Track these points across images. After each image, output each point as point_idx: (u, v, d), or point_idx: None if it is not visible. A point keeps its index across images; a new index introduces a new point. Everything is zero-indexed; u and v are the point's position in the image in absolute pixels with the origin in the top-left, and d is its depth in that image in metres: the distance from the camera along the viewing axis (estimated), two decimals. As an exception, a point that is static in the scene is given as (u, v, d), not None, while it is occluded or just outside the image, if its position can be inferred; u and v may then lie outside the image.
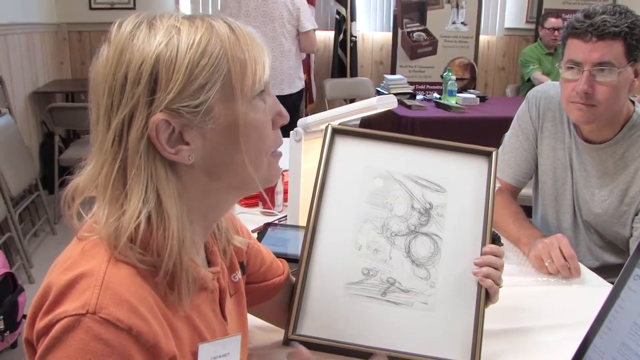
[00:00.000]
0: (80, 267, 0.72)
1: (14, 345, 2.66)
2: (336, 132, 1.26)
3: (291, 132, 1.66)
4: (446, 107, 4.33)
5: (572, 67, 1.62)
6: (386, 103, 1.52)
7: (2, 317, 2.53)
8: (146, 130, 0.75)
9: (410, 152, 1.24)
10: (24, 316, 2.67)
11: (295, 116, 0.94)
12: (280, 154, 0.89)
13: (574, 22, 1.60)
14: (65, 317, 0.68)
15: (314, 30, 4.31)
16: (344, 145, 1.25)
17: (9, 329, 2.57)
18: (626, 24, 1.53)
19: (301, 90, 4.40)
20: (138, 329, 0.69)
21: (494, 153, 1.24)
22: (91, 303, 0.68)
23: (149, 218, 0.75)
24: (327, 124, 1.26)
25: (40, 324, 0.70)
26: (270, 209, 1.94)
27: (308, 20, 4.24)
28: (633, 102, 1.73)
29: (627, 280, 1.00)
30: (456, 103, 4.44)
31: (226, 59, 0.77)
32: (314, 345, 1.10)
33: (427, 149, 1.25)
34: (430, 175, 1.22)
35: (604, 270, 1.72)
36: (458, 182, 1.22)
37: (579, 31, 1.58)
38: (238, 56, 0.78)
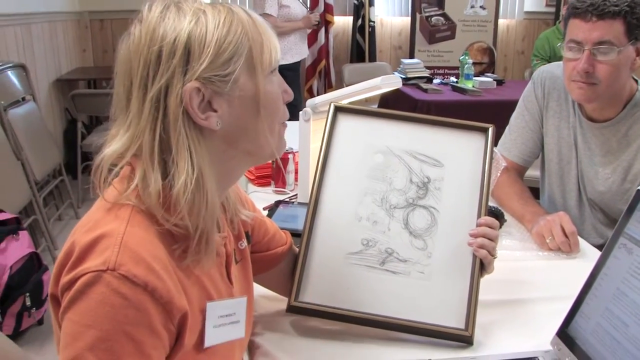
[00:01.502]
0: (102, 227, 0.80)
1: (40, 322, 2.76)
2: (338, 110, 1.31)
3: (300, 113, 1.72)
4: (462, 91, 4.34)
5: (573, 47, 1.64)
6: (390, 83, 1.56)
7: (28, 294, 2.63)
8: (181, 97, 0.83)
9: (409, 129, 1.29)
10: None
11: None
12: (285, 125, 0.99)
13: (575, 2, 1.62)
14: (87, 272, 0.75)
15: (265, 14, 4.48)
16: (346, 123, 1.30)
17: (35, 305, 2.67)
18: (626, 3, 1.55)
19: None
20: (153, 285, 0.76)
21: (490, 129, 1.28)
22: (111, 260, 0.75)
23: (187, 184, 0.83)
24: (330, 102, 1.31)
25: (64, 279, 0.78)
26: (282, 187, 1.99)
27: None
28: (636, 81, 1.75)
29: (612, 249, 1.04)
30: (473, 86, 4.45)
31: (247, 37, 0.87)
32: (315, 312, 1.16)
33: (426, 125, 1.29)
34: (428, 151, 1.27)
35: (608, 247, 1.74)
36: (455, 157, 1.27)
37: (580, 11, 1.60)
38: (256, 37, 0.89)
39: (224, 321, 0.92)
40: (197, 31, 0.84)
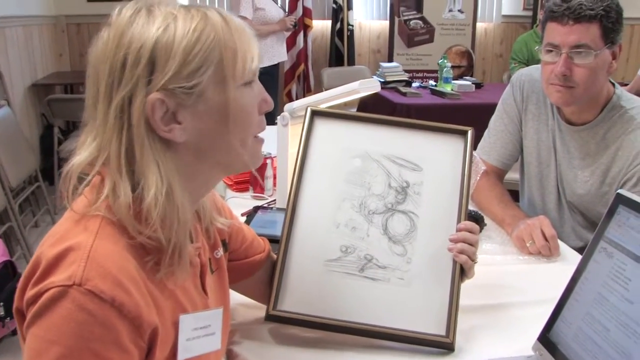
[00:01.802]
0: (69, 240, 0.77)
1: (14, 332, 2.70)
2: (315, 114, 1.29)
3: (278, 117, 1.70)
4: (441, 94, 4.35)
5: (550, 50, 1.65)
6: (368, 87, 1.55)
7: (2, 303, 2.57)
8: (144, 108, 0.80)
9: (387, 132, 1.27)
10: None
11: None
12: (262, 140, 0.95)
13: (552, 6, 1.62)
14: (53, 287, 0.72)
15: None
16: (323, 127, 1.28)
17: (9, 315, 2.61)
18: (602, 7, 1.56)
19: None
20: (121, 301, 0.74)
21: (469, 132, 1.27)
22: (77, 275, 0.72)
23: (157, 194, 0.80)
24: (307, 107, 1.29)
25: (29, 293, 0.75)
26: (261, 193, 1.97)
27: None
28: (614, 84, 1.75)
29: (593, 253, 1.04)
30: (451, 90, 4.46)
31: (219, 46, 0.83)
32: (294, 321, 1.14)
33: (404, 129, 1.28)
34: (407, 155, 1.25)
35: (588, 250, 1.75)
36: (434, 160, 1.26)
37: (557, 14, 1.61)
38: (230, 45, 0.84)
39: (198, 334, 0.90)
40: (164, 39, 0.80)
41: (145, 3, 0.84)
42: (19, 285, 0.78)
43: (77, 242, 0.76)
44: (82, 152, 0.83)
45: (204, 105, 0.83)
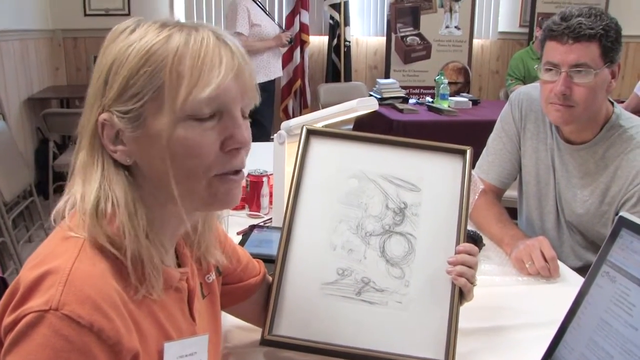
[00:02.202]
0: (48, 263, 0.74)
1: (5, 350, 2.66)
2: (311, 133, 1.27)
3: (274, 135, 1.68)
4: (438, 111, 4.34)
5: (550, 69, 1.64)
6: (366, 105, 1.54)
7: (-7, 321, 2.54)
8: (95, 125, 0.81)
9: (384, 152, 1.25)
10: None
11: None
12: (232, 180, 0.84)
13: (551, 25, 1.62)
14: (30, 312, 0.69)
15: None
16: (318, 146, 1.26)
17: None
18: (601, 26, 1.55)
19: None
20: (100, 326, 0.71)
21: (468, 151, 1.25)
22: (54, 300, 0.69)
23: (106, 203, 0.80)
24: (302, 126, 1.27)
25: (7, 319, 0.72)
26: (257, 211, 1.95)
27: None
28: (612, 103, 1.74)
29: (595, 277, 1.02)
30: (448, 106, 4.46)
31: (164, 72, 0.77)
32: (290, 345, 1.12)
33: (401, 148, 1.26)
34: (404, 175, 1.23)
35: (587, 270, 1.70)
36: (433, 181, 1.24)
37: (556, 33, 1.60)
38: (178, 70, 0.78)
39: None
40: (120, 58, 0.78)
41: (140, 20, 0.82)
42: None
43: (55, 265, 0.73)
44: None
45: (143, 133, 0.79)
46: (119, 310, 0.74)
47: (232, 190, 0.85)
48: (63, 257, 0.75)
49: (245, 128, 0.84)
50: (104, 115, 0.80)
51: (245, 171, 0.95)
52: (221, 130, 0.82)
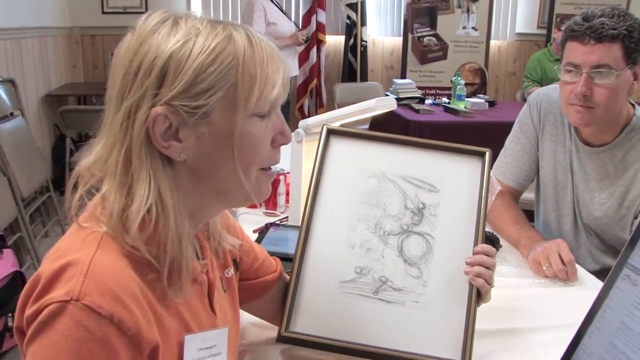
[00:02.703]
0: (70, 255, 0.75)
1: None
2: (331, 132, 1.27)
3: (292, 134, 1.68)
4: (454, 112, 4.33)
5: (570, 70, 1.63)
6: (385, 105, 1.53)
7: (10, 314, 2.56)
8: (146, 120, 0.79)
9: (404, 152, 1.25)
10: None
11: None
12: (272, 174, 0.90)
13: (573, 25, 1.60)
14: (51, 303, 0.70)
15: None
16: (338, 146, 1.26)
17: (17, 327, 2.60)
18: (624, 27, 1.54)
19: None
20: (120, 317, 0.71)
21: (487, 153, 1.25)
22: (75, 290, 0.70)
23: (150, 209, 0.79)
24: (323, 125, 1.28)
25: (29, 310, 0.73)
26: (273, 209, 1.95)
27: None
28: (633, 105, 1.73)
29: (615, 280, 1.01)
30: (465, 108, 4.44)
31: (236, 70, 0.80)
32: (306, 343, 1.12)
33: (421, 149, 1.26)
34: (423, 175, 1.23)
35: (605, 274, 1.68)
36: (451, 182, 1.23)
37: (578, 34, 1.58)
38: (250, 71, 0.81)
39: (203, 354, 0.87)
40: (179, 53, 0.78)
41: (173, 14, 0.83)
42: (19, 303, 0.76)
43: (77, 257, 0.74)
44: (89, 154, 0.82)
45: (207, 128, 0.81)
46: (139, 302, 0.75)
47: (268, 184, 0.91)
48: (84, 250, 0.76)
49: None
50: (159, 109, 0.78)
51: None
52: (273, 127, 0.87)
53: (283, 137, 0.88)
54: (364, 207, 1.21)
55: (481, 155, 1.26)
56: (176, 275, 0.81)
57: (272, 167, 0.90)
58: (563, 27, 1.71)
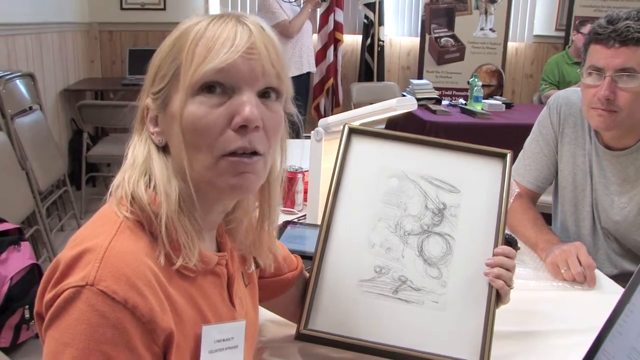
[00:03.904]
0: (87, 242, 0.76)
1: (38, 335, 2.70)
2: (353, 131, 1.28)
3: (312, 132, 1.69)
4: (471, 113, 4.32)
5: (593, 73, 1.61)
6: (406, 105, 1.53)
7: (27, 306, 2.59)
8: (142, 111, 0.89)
9: (425, 153, 1.25)
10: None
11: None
12: (238, 162, 0.82)
13: (597, 28, 1.59)
14: (68, 288, 0.72)
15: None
16: (360, 145, 1.27)
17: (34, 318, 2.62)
18: None
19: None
20: (134, 303, 0.72)
21: (508, 155, 1.25)
22: (90, 276, 0.72)
23: (147, 182, 0.84)
24: (344, 124, 1.28)
25: (48, 296, 0.75)
26: (291, 207, 1.96)
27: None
28: (656, 110, 1.71)
29: (638, 284, 1.00)
30: (481, 109, 4.42)
31: (185, 52, 0.82)
32: (325, 341, 1.12)
33: (442, 149, 1.26)
34: (444, 176, 1.23)
35: (623, 278, 1.70)
36: (472, 183, 1.23)
37: (602, 37, 1.57)
38: (192, 50, 0.81)
39: (220, 346, 0.87)
40: (160, 46, 0.86)
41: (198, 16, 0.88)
42: (39, 289, 0.78)
43: (93, 243, 0.76)
44: None
45: (168, 113, 0.84)
46: (154, 290, 0.76)
47: (240, 172, 0.83)
48: (101, 237, 0.77)
49: (257, 107, 0.82)
50: (147, 100, 0.87)
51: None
52: (229, 107, 0.82)
53: (239, 117, 0.80)
54: (384, 206, 1.21)
55: (502, 156, 1.26)
56: (175, 239, 0.81)
57: (251, 154, 0.83)
58: (586, 30, 1.70)
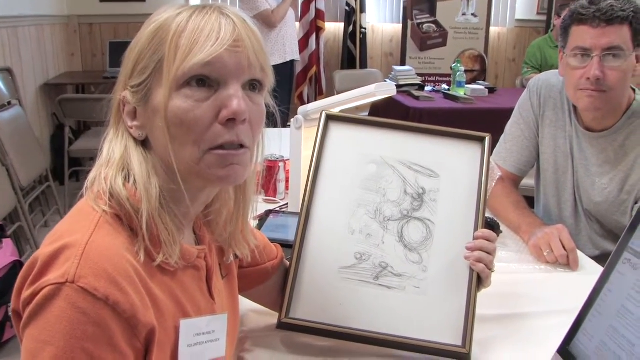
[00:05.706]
0: (66, 238, 0.75)
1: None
2: (330, 118, 1.27)
3: (292, 120, 1.68)
4: (454, 99, 4.32)
5: (579, 54, 1.61)
6: (385, 90, 1.53)
7: (10, 304, 2.56)
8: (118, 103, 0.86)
9: (403, 138, 1.25)
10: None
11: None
12: (229, 153, 0.82)
13: (579, 9, 1.59)
14: (47, 285, 0.71)
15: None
16: (337, 132, 1.26)
17: (17, 316, 2.60)
18: (631, 9, 1.54)
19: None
20: (115, 299, 0.71)
21: (487, 138, 1.24)
22: (71, 272, 0.71)
23: (126, 177, 0.83)
24: (322, 111, 1.27)
25: (25, 293, 0.73)
26: (273, 196, 1.95)
27: None
28: (634, 90, 1.72)
29: (616, 264, 1.01)
30: (465, 94, 4.42)
31: (167, 44, 0.80)
32: (307, 329, 1.12)
33: (420, 134, 1.25)
34: (423, 161, 1.23)
35: (605, 259, 1.68)
36: (451, 167, 1.23)
37: (586, 17, 1.57)
38: (176, 42, 0.80)
39: (200, 339, 0.86)
40: (137, 37, 0.84)
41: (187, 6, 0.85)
42: (16, 286, 0.76)
43: (72, 240, 0.74)
44: None
45: (150, 106, 0.82)
46: (135, 285, 0.75)
47: (228, 164, 0.83)
48: (80, 232, 0.76)
49: (243, 100, 0.82)
50: (124, 93, 0.84)
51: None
52: (216, 101, 0.81)
53: (227, 111, 0.80)
54: (363, 192, 1.20)
55: (481, 140, 1.25)
56: (156, 236, 0.81)
57: (238, 146, 0.83)
58: (565, 13, 1.69)
